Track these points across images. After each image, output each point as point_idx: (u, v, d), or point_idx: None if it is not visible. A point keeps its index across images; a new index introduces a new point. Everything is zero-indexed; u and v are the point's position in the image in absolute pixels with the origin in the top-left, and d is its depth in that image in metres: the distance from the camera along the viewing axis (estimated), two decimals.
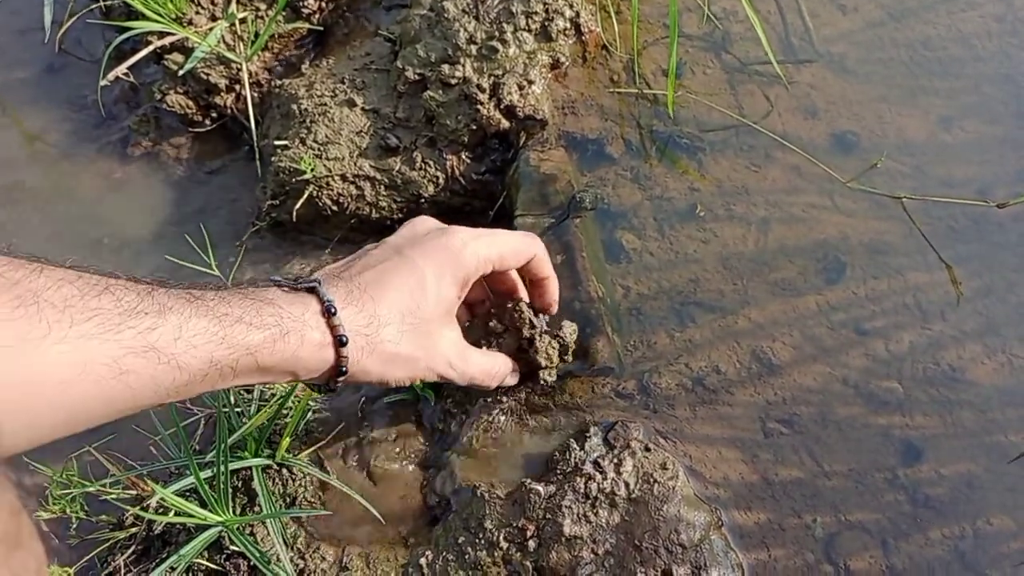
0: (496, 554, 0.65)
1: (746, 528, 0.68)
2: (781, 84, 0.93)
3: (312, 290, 0.58)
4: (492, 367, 0.70)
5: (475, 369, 0.67)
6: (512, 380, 0.74)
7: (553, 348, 0.72)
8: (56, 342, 0.43)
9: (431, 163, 0.91)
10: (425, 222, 0.68)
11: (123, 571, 0.73)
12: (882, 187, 0.85)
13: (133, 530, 0.74)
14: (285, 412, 0.75)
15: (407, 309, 0.61)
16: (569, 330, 0.73)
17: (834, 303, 0.79)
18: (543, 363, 0.72)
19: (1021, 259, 0.81)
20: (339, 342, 0.57)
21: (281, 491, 0.73)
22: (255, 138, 1.01)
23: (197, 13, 1.04)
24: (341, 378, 0.58)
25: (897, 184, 0.86)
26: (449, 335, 0.65)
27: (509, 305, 0.72)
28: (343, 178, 0.92)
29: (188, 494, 0.71)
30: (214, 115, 1.07)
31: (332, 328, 0.57)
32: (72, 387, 0.43)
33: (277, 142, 0.94)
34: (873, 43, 0.96)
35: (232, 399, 0.75)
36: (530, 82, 0.89)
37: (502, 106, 0.88)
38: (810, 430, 0.73)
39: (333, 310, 0.57)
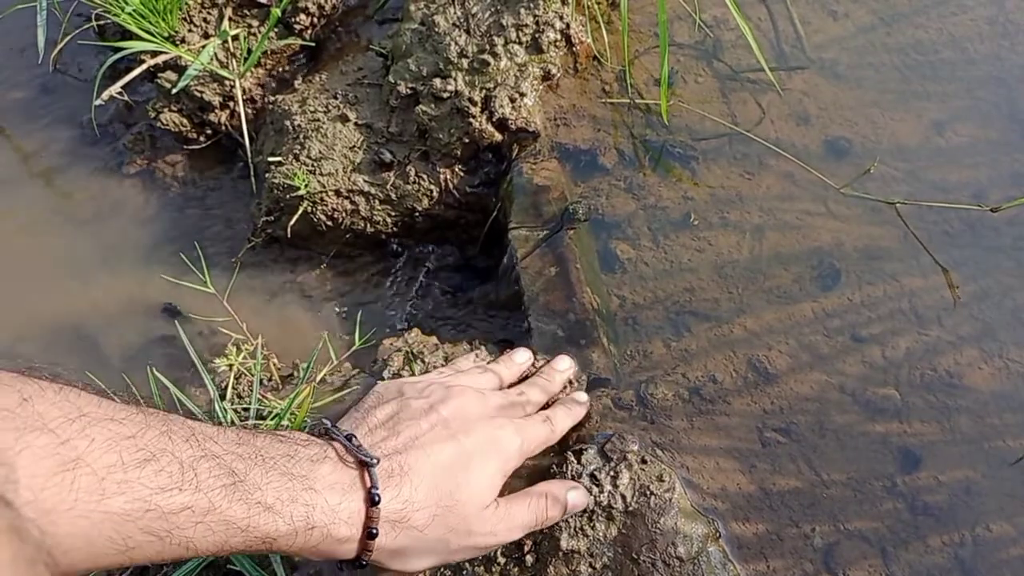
0: (494, 569, 0.65)
1: (744, 539, 0.68)
2: (773, 91, 0.93)
3: (364, 465, 0.56)
4: (539, 512, 0.64)
5: (519, 521, 0.63)
6: (580, 498, 0.66)
7: None
8: (77, 516, 0.44)
9: (425, 177, 0.91)
10: (469, 400, 0.65)
11: None
12: (876, 192, 0.85)
13: None
14: None
15: (445, 491, 0.59)
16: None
17: (829, 310, 0.79)
18: None
19: (1017, 263, 0.81)
20: (368, 535, 0.55)
21: None
22: (250, 154, 1.01)
23: (190, 31, 1.04)
24: (358, 570, 0.58)
25: (891, 189, 0.86)
26: (485, 513, 0.61)
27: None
28: (337, 193, 0.92)
29: None
30: (209, 132, 1.07)
31: (368, 520, 0.55)
32: (72, 553, 0.44)
33: (271, 158, 0.95)
34: (865, 48, 0.96)
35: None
36: (522, 94, 0.89)
37: (494, 119, 0.89)
38: (807, 439, 0.73)
39: (377, 499, 0.55)
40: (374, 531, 0.55)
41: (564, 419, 0.71)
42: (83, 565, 0.46)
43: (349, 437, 0.58)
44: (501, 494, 0.63)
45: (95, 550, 0.45)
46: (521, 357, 0.76)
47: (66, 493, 0.43)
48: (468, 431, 0.62)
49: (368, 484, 0.56)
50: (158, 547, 0.48)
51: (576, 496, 0.65)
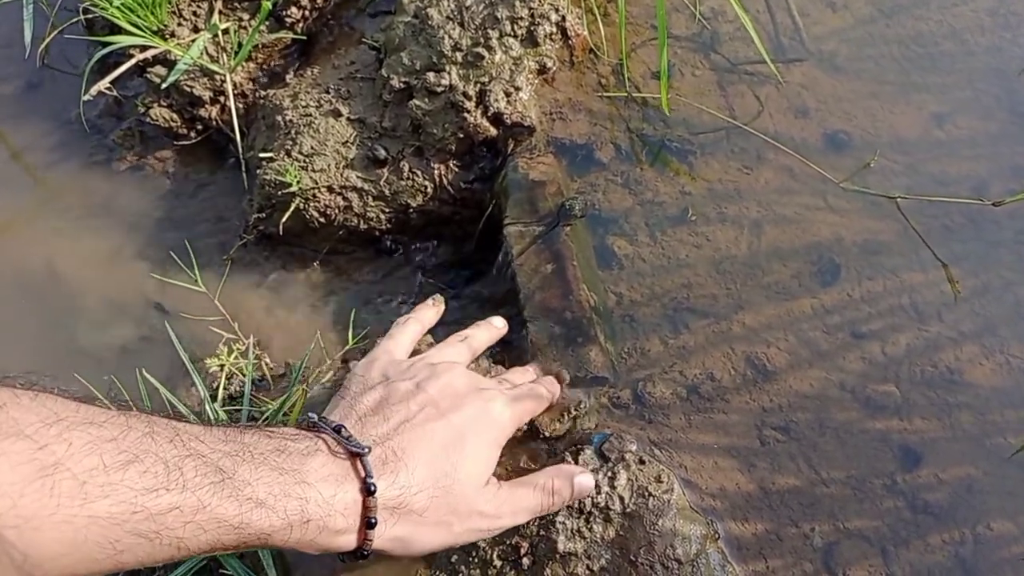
0: (490, 573, 0.64)
1: (743, 540, 0.67)
2: (771, 84, 0.92)
3: (356, 456, 0.56)
4: (545, 495, 0.63)
5: (525, 504, 0.63)
6: (589, 482, 0.65)
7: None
8: (61, 520, 0.43)
9: (419, 173, 0.90)
10: (456, 375, 0.66)
11: None
12: (876, 186, 0.84)
13: None
14: None
15: (442, 472, 0.59)
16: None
17: (829, 306, 0.78)
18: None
19: (1018, 257, 0.80)
20: (367, 524, 0.55)
21: None
22: (241, 150, 1.00)
23: (179, 25, 1.03)
24: (360, 560, 0.57)
25: (891, 183, 0.85)
26: (486, 491, 0.62)
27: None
28: (330, 189, 0.91)
29: None
30: (199, 128, 1.05)
31: (365, 510, 0.55)
32: (60, 559, 0.44)
33: (262, 154, 0.93)
34: (864, 40, 0.95)
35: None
36: (517, 88, 0.88)
37: (489, 113, 0.87)
38: (807, 437, 0.72)
39: (373, 488, 0.55)
40: (373, 520, 0.55)
41: (551, 388, 0.72)
42: (73, 571, 0.45)
43: (338, 428, 0.58)
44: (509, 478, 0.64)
45: (83, 555, 0.45)
46: (499, 323, 0.78)
47: (47, 499, 0.43)
48: (458, 407, 0.62)
49: (362, 474, 0.55)
50: (148, 549, 0.47)
51: (584, 480, 0.65)
